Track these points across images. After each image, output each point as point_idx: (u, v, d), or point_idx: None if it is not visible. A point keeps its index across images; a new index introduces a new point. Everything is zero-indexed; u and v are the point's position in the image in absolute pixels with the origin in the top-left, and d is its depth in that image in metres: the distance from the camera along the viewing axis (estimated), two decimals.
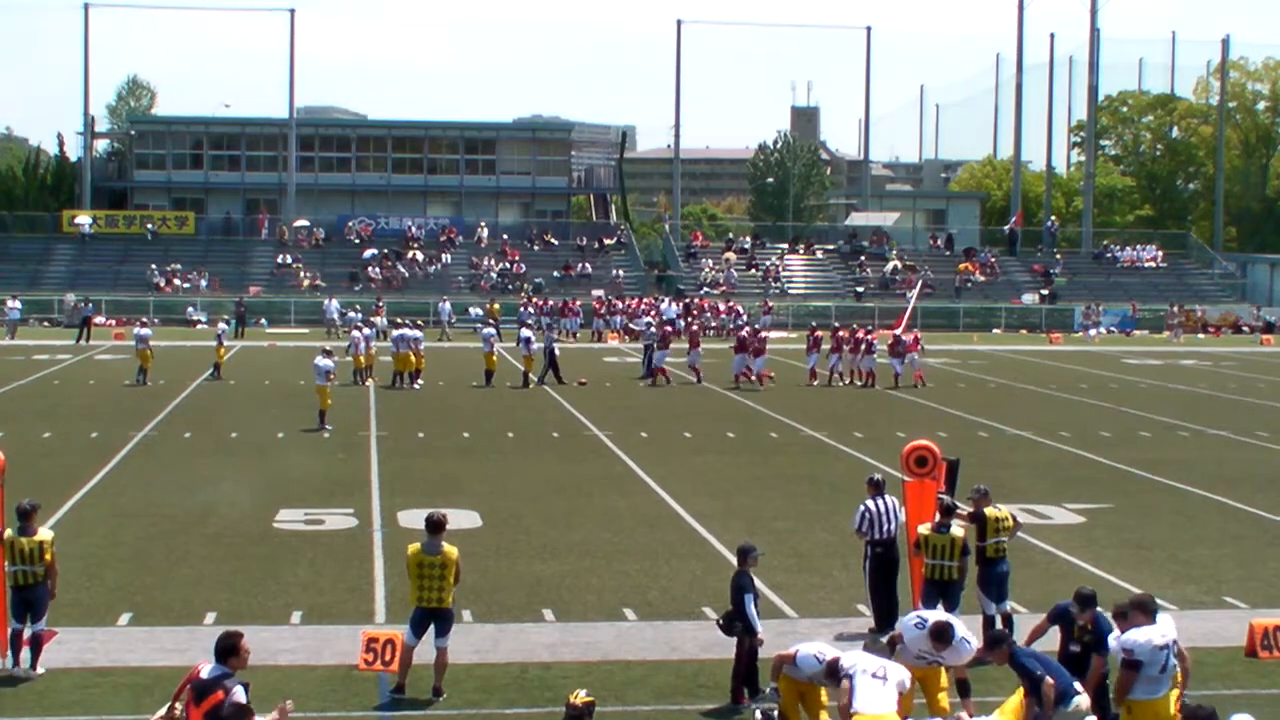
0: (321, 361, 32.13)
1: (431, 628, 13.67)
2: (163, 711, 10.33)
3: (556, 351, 42.73)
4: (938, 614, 12.71)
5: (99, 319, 64.68)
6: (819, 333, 44.69)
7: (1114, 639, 11.91)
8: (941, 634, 12.12)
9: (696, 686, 14.07)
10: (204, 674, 10.10)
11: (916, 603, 15.07)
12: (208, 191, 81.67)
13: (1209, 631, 16.09)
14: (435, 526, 13.82)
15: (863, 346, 43.00)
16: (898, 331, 44.94)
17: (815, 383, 42.50)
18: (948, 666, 12.54)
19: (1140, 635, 11.56)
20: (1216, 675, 14.47)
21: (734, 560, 14.51)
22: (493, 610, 16.59)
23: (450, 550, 13.73)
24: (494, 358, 41.94)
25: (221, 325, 45.99)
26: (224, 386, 40.48)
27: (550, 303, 65.87)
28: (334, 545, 19.92)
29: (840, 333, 44.68)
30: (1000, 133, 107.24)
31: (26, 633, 14.09)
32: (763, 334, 44.75)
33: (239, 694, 9.88)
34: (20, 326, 60.32)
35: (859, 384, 42.54)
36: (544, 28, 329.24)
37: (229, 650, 10.20)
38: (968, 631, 12.55)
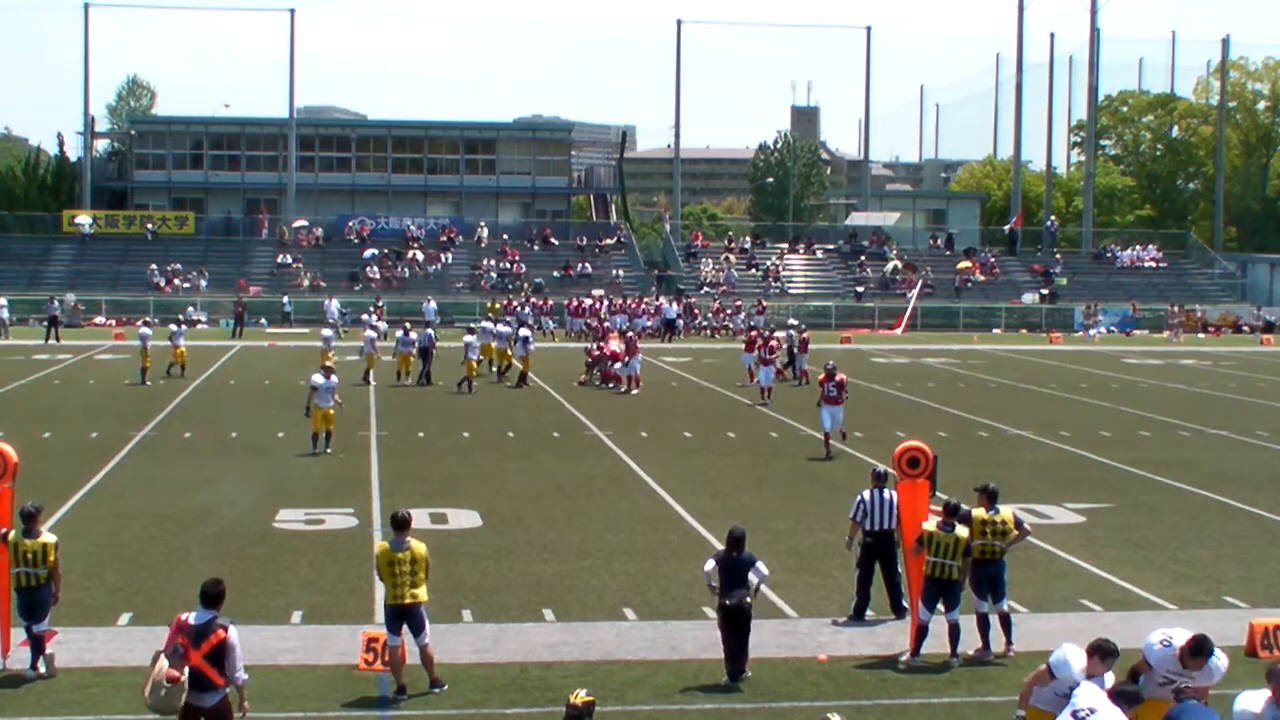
0: (320, 380, 28.37)
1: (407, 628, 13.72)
2: (165, 664, 10.94)
3: (435, 351, 42.24)
4: (1184, 631, 11.22)
5: (98, 319, 64.85)
6: (754, 333, 44.44)
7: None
8: (1200, 648, 10.82)
9: (696, 686, 14.08)
10: (193, 621, 11.10)
11: (915, 601, 15.11)
12: (208, 191, 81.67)
13: (1209, 631, 15.95)
14: (401, 524, 13.89)
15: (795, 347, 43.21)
16: (898, 331, 44.89)
17: (754, 382, 41.25)
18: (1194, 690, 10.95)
19: None
20: None
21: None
22: (493, 610, 16.59)
23: (418, 546, 13.78)
24: (497, 356, 41.90)
25: (172, 326, 44.39)
26: (223, 386, 40.49)
27: (549, 302, 65.95)
28: (334, 545, 19.93)
29: (804, 334, 45.03)
30: (1000, 133, 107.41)
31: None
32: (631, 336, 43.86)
33: (234, 632, 11.14)
34: (20, 326, 60.32)
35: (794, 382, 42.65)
36: (544, 28, 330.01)
37: (220, 596, 11.31)
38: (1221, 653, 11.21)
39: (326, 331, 45.39)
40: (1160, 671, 10.98)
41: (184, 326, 44.95)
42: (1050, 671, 10.95)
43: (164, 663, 11.00)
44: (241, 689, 11.23)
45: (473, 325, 45.37)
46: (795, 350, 44.31)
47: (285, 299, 67.84)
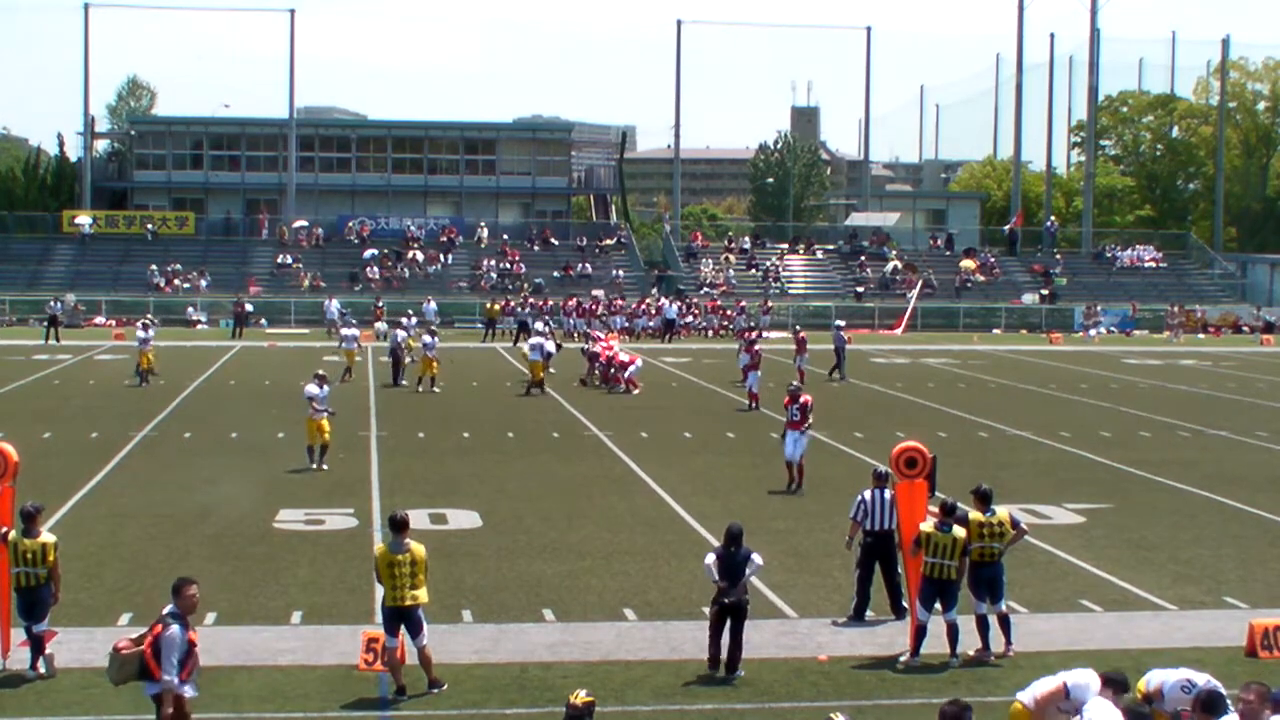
0: (315, 390, 26.80)
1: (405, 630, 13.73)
2: (138, 634, 11.71)
3: (401, 353, 41.87)
4: (1208, 680, 11.29)
5: (98, 319, 64.83)
6: (753, 334, 44.34)
7: None
8: (1213, 706, 10.63)
9: (697, 683, 14.07)
10: (164, 611, 11.60)
11: (914, 601, 15.11)
12: (208, 191, 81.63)
13: (1209, 631, 16.09)
14: (400, 525, 13.91)
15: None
16: (898, 331, 44.86)
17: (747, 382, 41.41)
18: None
19: None
20: (1217, 675, 14.37)
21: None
22: (493, 610, 16.59)
23: (417, 548, 13.80)
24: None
25: (139, 332, 42.13)
26: (223, 386, 40.48)
27: (548, 302, 65.91)
28: (334, 545, 19.93)
29: (801, 335, 44.92)
30: (1000, 133, 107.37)
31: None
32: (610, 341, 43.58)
33: (174, 631, 11.37)
34: (20, 326, 60.25)
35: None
36: (544, 28, 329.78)
37: (174, 590, 11.72)
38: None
39: (350, 331, 44.56)
40: (1170, 707, 11.34)
41: (152, 329, 43.04)
42: (1067, 692, 11.17)
43: (135, 635, 11.67)
44: (171, 692, 11.31)
45: (539, 328, 45.22)
46: (841, 350, 44.58)
47: (246, 301, 65.48)
